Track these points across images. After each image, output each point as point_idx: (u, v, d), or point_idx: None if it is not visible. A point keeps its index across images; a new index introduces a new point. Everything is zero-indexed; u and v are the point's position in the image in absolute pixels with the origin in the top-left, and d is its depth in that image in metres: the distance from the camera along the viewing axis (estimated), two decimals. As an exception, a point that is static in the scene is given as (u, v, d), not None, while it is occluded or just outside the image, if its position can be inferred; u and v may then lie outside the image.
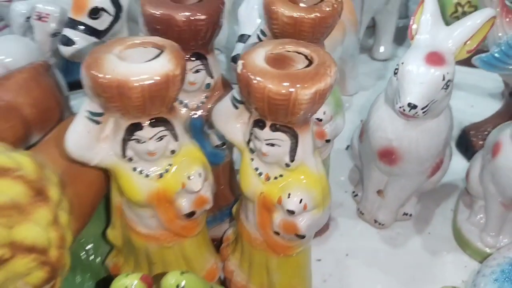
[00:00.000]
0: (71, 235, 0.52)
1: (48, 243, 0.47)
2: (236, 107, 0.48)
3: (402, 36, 1.17)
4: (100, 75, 0.42)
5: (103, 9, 0.67)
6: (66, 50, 0.68)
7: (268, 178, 0.49)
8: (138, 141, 0.46)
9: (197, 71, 0.55)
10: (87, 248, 0.64)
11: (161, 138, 0.47)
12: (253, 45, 0.49)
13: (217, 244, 0.65)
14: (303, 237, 0.49)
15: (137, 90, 0.42)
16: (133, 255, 0.57)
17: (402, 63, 0.60)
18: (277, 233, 0.50)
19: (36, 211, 0.46)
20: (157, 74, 0.42)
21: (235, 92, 0.48)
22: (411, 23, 0.64)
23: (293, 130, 0.45)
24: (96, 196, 0.58)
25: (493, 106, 0.90)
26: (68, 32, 0.68)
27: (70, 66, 0.98)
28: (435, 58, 0.58)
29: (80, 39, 0.68)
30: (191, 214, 0.51)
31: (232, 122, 0.50)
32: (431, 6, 0.62)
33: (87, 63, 0.43)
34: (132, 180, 0.49)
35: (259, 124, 0.45)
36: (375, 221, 0.74)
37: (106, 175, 0.58)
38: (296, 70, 0.44)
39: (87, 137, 0.46)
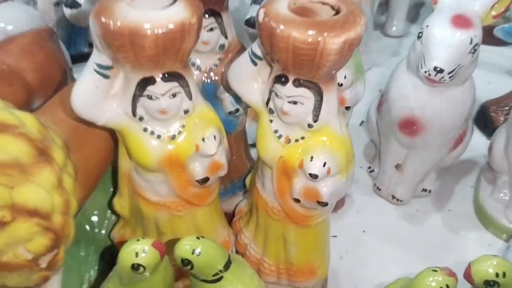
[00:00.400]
0: (76, 202, 0.49)
1: (51, 208, 0.44)
2: (255, 64, 0.45)
3: (415, 13, 1.14)
4: (111, 22, 0.38)
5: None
6: (70, 13, 0.65)
7: (288, 141, 0.46)
8: (149, 97, 0.43)
9: (211, 30, 0.52)
10: (92, 219, 0.61)
11: (174, 95, 0.43)
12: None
13: (228, 219, 0.62)
14: (325, 204, 0.46)
15: (151, 38, 0.38)
16: (141, 225, 0.54)
17: (427, 26, 0.56)
18: (297, 201, 0.47)
19: (39, 172, 0.43)
20: (172, 21, 0.39)
21: (254, 47, 0.44)
22: (434, -13, 0.60)
23: (318, 86, 0.42)
24: (103, 163, 0.55)
25: (510, 83, 0.86)
26: (72, -7, 0.64)
27: (74, 38, 0.95)
28: (462, 21, 0.55)
29: (85, 1, 0.64)
30: (204, 180, 0.48)
31: (249, 81, 0.46)
32: (457, -33, 0.58)
33: (96, 10, 0.40)
34: (142, 141, 0.46)
35: (281, 79, 0.42)
36: (393, 197, 0.70)
37: (113, 140, 0.55)
38: (323, 18, 0.40)
39: (95, 92, 0.43)
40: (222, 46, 0.54)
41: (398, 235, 0.67)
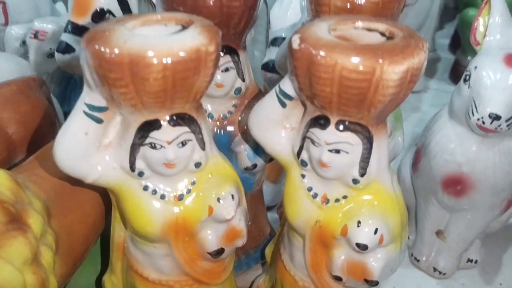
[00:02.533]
0: (55, 281, 0.39)
1: None
2: (284, 105, 0.36)
3: (432, 68, 1.09)
4: (106, 49, 0.30)
5: (109, 12, 0.56)
6: (63, 59, 0.57)
7: (326, 201, 0.36)
8: (153, 146, 0.34)
9: (226, 70, 0.44)
10: (76, 302, 0.50)
11: (184, 144, 0.35)
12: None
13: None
14: (375, 283, 0.36)
15: (157, 69, 0.30)
16: (138, 310, 0.43)
17: (475, 67, 0.49)
18: (338, 278, 0.37)
19: (9, 244, 0.35)
20: (185, 48, 0.31)
21: (282, 84, 0.36)
22: (474, 26, 0.53)
23: (367, 131, 0.33)
24: (91, 231, 0.45)
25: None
26: (67, 37, 0.57)
27: (68, 94, 0.88)
28: (516, 61, 0.48)
29: (80, 46, 0.57)
30: (219, 252, 0.38)
31: (276, 127, 0.38)
32: (499, 6, 0.52)
33: (88, 36, 0.32)
34: (141, 203, 0.36)
35: (319, 122, 0.33)
36: (435, 269, 0.60)
37: (104, 203, 0.46)
38: (378, 43, 0.32)
39: (84, 140, 0.34)
40: (238, 90, 0.46)
41: (444, 315, 0.56)
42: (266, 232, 0.55)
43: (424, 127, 0.59)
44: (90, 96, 0.33)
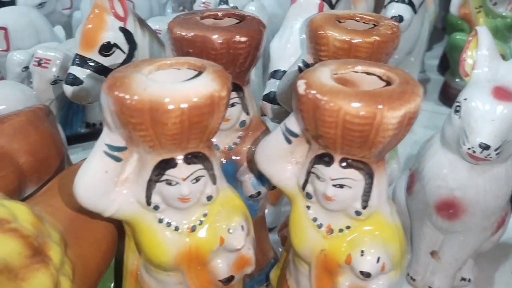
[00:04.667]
0: (73, 309, 0.41)
1: None
2: (289, 142, 0.39)
3: (424, 90, 1.11)
4: (127, 96, 0.32)
5: (115, 45, 0.59)
6: (72, 91, 0.60)
7: (330, 231, 0.39)
8: (169, 182, 0.36)
9: (232, 105, 0.46)
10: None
11: (197, 180, 0.37)
12: (293, 77, 0.41)
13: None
14: (377, 308, 0.38)
15: (175, 114, 0.32)
16: (149, 336, 0.45)
17: (465, 99, 0.52)
18: (342, 304, 0.39)
19: (33, 276, 0.36)
20: (200, 95, 0.33)
21: (288, 123, 0.39)
22: (462, 58, 0.57)
23: (368, 167, 0.36)
24: (104, 258, 0.47)
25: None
26: (75, 70, 0.59)
27: (70, 118, 0.90)
28: (503, 93, 0.51)
29: (88, 78, 0.59)
30: (229, 280, 0.41)
31: (281, 162, 0.40)
32: (487, 39, 0.55)
33: (109, 83, 0.34)
34: (156, 234, 0.39)
35: (324, 159, 0.36)
36: (430, 289, 0.62)
37: (115, 231, 0.48)
38: (376, 89, 0.35)
39: (104, 178, 0.36)
40: (243, 123, 0.48)
41: (440, 334, 0.58)
42: (269, 256, 0.57)
43: (417, 152, 0.61)
44: (110, 137, 0.36)
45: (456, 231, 0.58)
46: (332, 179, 0.36)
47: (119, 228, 0.46)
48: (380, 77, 0.37)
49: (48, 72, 0.80)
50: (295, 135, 0.38)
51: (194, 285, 0.41)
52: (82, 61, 0.59)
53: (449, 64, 1.06)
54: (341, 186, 0.36)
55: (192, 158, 0.36)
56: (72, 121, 0.90)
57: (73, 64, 0.60)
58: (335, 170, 0.36)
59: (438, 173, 0.55)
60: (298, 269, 0.42)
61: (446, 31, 1.14)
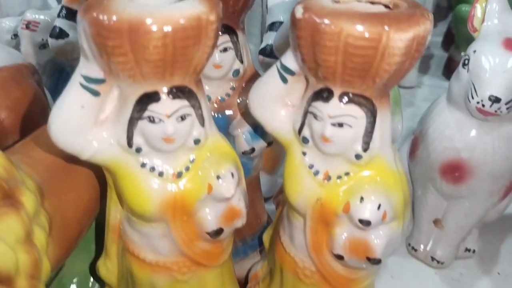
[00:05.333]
0: (48, 263, 0.38)
1: (14, 268, 0.33)
2: (285, 80, 0.36)
3: (426, 65, 1.09)
4: (105, 17, 0.29)
5: (104, -4, 0.55)
6: (57, 44, 0.56)
7: (328, 178, 0.36)
8: (151, 119, 0.33)
9: (224, 50, 0.43)
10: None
11: (183, 118, 0.34)
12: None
13: (240, 286, 0.50)
14: (378, 261, 0.35)
15: (157, 35, 0.29)
16: (133, 295, 0.42)
17: (474, 51, 0.49)
18: (339, 257, 0.36)
19: (1, 220, 0.33)
20: (186, 16, 0.30)
21: (284, 59, 0.35)
22: (471, 14, 0.53)
23: (371, 103, 0.32)
24: (86, 214, 0.44)
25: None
26: (60, 22, 0.56)
27: (60, 86, 0.87)
28: (515, 44, 0.47)
29: (74, 31, 0.56)
30: (217, 232, 0.37)
31: (276, 105, 0.37)
32: (497, -7, 0.52)
33: (86, 5, 0.31)
34: (139, 180, 0.35)
35: (322, 95, 0.33)
36: (432, 259, 0.59)
37: (99, 186, 0.45)
38: (383, 11, 0.31)
39: (80, 114, 0.33)
40: (236, 72, 0.45)
41: (442, 305, 0.55)
42: (263, 219, 0.54)
43: (422, 115, 0.58)
44: (87, 67, 0.33)
45: (462, 197, 0.55)
46: (331, 117, 0.33)
47: (103, 185, 0.43)
48: (386, 6, 0.33)
49: (37, 35, 0.76)
50: (291, 72, 0.35)
51: (179, 238, 0.37)
52: (68, 14, 0.56)
53: (453, 39, 1.03)
54: (341, 124, 0.33)
55: (177, 92, 0.33)
56: (62, 90, 0.87)
57: (58, 17, 0.57)
58: (334, 107, 0.32)
59: (443, 133, 0.52)
60: (292, 224, 0.39)
61: (451, 8, 1.11)
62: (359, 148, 0.34)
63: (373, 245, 0.34)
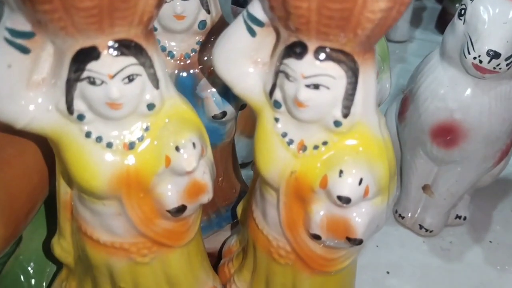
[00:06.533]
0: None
1: None
2: (253, 33, 0.30)
3: (418, 18, 1.03)
4: (22, -47, 0.23)
5: None
6: None
7: (303, 148, 0.31)
8: (92, 81, 0.28)
9: (187, -2, 0.37)
10: (27, 267, 0.45)
11: (131, 79, 0.28)
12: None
13: (213, 261, 0.46)
14: (359, 242, 0.31)
15: (88, -23, 0.23)
16: (91, 276, 0.38)
17: (472, 0, 0.43)
18: (316, 237, 0.32)
19: None
20: (124, -47, 0.24)
21: (251, 7, 0.30)
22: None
23: (352, 60, 0.27)
24: (37, 189, 0.40)
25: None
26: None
27: None
28: (518, -7, 0.42)
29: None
30: (180, 210, 0.33)
31: (244, 62, 0.32)
32: None
33: None
34: (84, 152, 0.30)
35: (294, 50, 0.28)
36: (421, 227, 0.56)
37: (52, 156, 0.40)
38: None
39: (8, 75, 0.28)
40: (202, 24, 0.39)
41: (430, 275, 0.53)
42: (238, 189, 0.50)
43: (413, 72, 0.53)
44: (11, 19, 0.27)
45: (453, 162, 0.51)
46: (305, 77, 0.27)
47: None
48: None
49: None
50: (260, 23, 0.30)
51: (136, 217, 0.33)
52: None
53: (449, -10, 0.97)
54: (317, 86, 0.28)
55: (120, 47, 0.27)
56: None
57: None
58: (309, 64, 0.27)
59: (436, 92, 0.47)
60: (265, 198, 0.34)
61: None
62: (338, 114, 0.29)
63: (353, 224, 0.30)
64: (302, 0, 0.24)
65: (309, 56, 0.27)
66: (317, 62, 0.27)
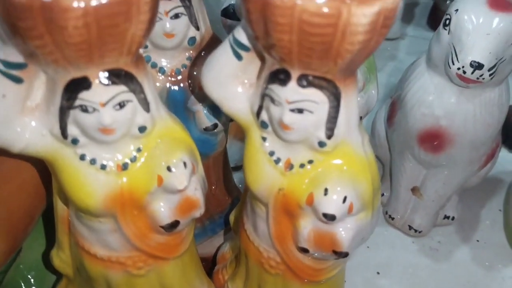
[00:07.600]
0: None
1: None
2: (239, 57, 0.31)
3: (410, 14, 1.03)
4: (13, -8, 0.24)
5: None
6: None
7: (290, 167, 0.32)
8: (84, 109, 0.29)
9: (176, 16, 0.38)
10: (28, 276, 0.46)
11: (122, 105, 0.29)
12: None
13: (208, 266, 0.48)
14: (344, 255, 0.32)
15: (76, 14, 0.24)
16: (89, 286, 0.40)
17: (456, 10, 0.44)
18: (304, 250, 0.33)
19: None
20: (111, -11, 0.25)
21: (237, 33, 0.31)
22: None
23: (334, 86, 0.28)
24: (34, 202, 0.41)
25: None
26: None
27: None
28: (500, 3, 0.43)
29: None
30: (173, 225, 0.34)
31: (232, 83, 0.33)
32: None
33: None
34: (79, 174, 0.32)
35: (279, 77, 0.29)
36: (410, 228, 0.57)
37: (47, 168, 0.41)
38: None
39: (2, 104, 0.29)
40: (192, 41, 0.40)
41: (419, 274, 0.54)
42: (231, 196, 0.51)
43: (400, 77, 0.54)
44: (4, 51, 0.28)
45: (441, 165, 0.52)
46: (289, 102, 0.29)
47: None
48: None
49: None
50: (246, 48, 0.31)
51: (130, 232, 0.34)
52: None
53: (440, -14, 0.97)
54: (301, 110, 0.29)
55: (111, 77, 0.28)
56: None
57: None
58: (292, 91, 0.28)
59: (422, 99, 0.48)
60: (255, 212, 0.36)
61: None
62: (322, 135, 0.30)
63: (339, 237, 0.32)
64: (284, 33, 0.25)
65: (292, 83, 0.28)
66: (300, 89, 0.28)
